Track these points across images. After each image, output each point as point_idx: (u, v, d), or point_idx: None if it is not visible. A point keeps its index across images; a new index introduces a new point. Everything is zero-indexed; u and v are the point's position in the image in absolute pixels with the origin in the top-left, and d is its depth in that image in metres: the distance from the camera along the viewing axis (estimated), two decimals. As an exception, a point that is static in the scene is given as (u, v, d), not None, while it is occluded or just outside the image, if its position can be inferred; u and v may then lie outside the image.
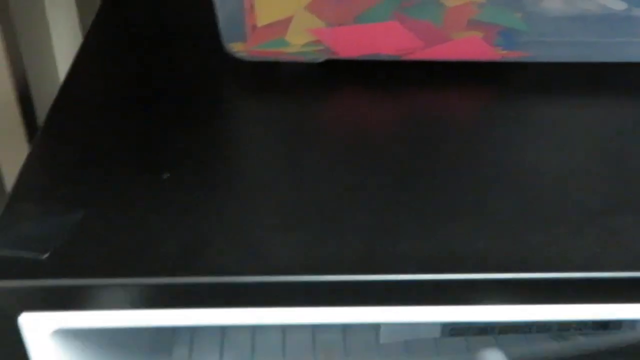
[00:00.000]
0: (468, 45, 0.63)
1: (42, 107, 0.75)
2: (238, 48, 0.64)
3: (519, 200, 0.51)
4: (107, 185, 0.53)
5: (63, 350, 0.50)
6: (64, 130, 0.59)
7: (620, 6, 0.65)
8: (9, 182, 0.77)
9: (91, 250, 0.48)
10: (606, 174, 0.54)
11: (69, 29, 0.87)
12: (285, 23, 0.64)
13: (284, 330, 0.84)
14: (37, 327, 0.48)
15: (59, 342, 0.50)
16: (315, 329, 0.84)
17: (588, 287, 0.46)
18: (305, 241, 0.48)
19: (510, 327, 0.66)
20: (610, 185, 0.53)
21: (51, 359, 0.50)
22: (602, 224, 0.49)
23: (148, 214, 0.50)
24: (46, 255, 0.47)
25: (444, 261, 0.47)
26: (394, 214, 0.50)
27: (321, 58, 0.65)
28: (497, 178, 0.54)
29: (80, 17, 0.86)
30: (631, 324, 0.66)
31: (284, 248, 0.48)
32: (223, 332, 0.84)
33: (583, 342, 0.68)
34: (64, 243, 0.48)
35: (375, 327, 0.84)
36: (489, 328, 0.66)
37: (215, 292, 0.47)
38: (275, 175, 0.55)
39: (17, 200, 0.52)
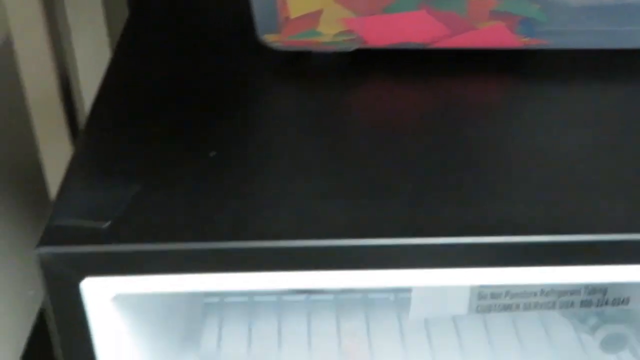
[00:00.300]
0: (492, 34, 0.67)
1: (81, 105, 0.78)
2: (272, 39, 0.68)
3: (550, 172, 0.55)
4: (158, 162, 0.56)
5: (121, 316, 0.53)
6: (111, 116, 0.62)
7: (637, -4, 0.69)
8: (51, 175, 0.80)
9: (148, 219, 0.51)
10: (630, 149, 0.58)
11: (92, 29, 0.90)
12: (316, 15, 0.67)
13: (309, 316, 0.87)
14: (98, 292, 0.51)
15: (118, 308, 0.52)
16: (339, 316, 0.87)
17: (620, 248, 0.49)
18: (350, 208, 0.51)
19: (535, 303, 0.69)
20: (633, 158, 0.56)
21: (110, 323, 0.52)
22: (631, 191, 0.52)
23: (199, 187, 0.54)
24: (106, 224, 0.50)
25: (481, 226, 0.50)
26: (432, 185, 0.53)
27: (352, 47, 0.68)
28: (525, 153, 0.57)
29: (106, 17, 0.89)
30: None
31: (331, 214, 0.51)
32: (250, 320, 0.86)
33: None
34: (122, 213, 0.51)
35: (398, 313, 0.87)
36: (513, 305, 0.69)
37: (266, 256, 0.49)
38: (315, 151, 0.58)
39: (75, 176, 0.55)
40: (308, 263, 0.50)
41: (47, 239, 0.49)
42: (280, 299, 0.88)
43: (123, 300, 0.53)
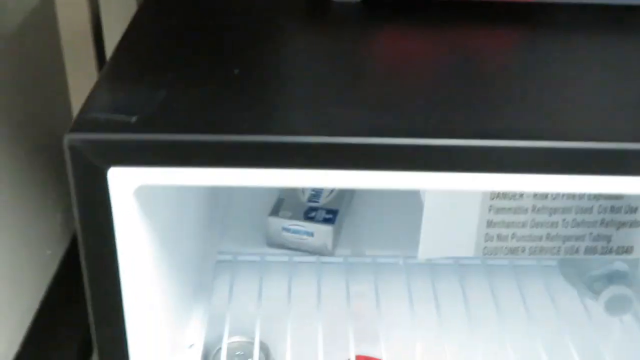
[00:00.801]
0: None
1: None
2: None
3: (558, 97, 0.57)
4: (187, 75, 0.59)
5: (143, 213, 0.55)
6: (142, 41, 0.66)
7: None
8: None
9: (175, 115, 0.54)
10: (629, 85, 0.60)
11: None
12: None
13: (319, 278, 0.88)
14: (123, 183, 0.53)
15: (141, 203, 0.55)
16: (349, 279, 0.88)
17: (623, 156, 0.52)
18: (365, 113, 0.54)
19: (540, 247, 0.70)
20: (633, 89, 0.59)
21: (132, 217, 0.55)
22: (629, 110, 0.55)
23: (223, 93, 0.56)
24: (134, 119, 0.53)
25: (490, 131, 0.52)
26: (443, 100, 0.56)
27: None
28: (529, 81, 0.60)
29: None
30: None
31: (346, 118, 0.54)
32: (261, 279, 0.88)
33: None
34: (151, 110, 0.54)
35: (406, 277, 0.88)
36: (519, 249, 0.71)
37: (286, 151, 0.52)
38: (334, 73, 0.61)
39: (106, 81, 0.58)
40: (323, 160, 0.52)
41: (77, 127, 0.52)
42: (291, 260, 0.90)
43: (146, 195, 0.55)
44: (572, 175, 0.53)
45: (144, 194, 0.55)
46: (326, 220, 0.89)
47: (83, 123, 0.52)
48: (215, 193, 0.94)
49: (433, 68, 0.62)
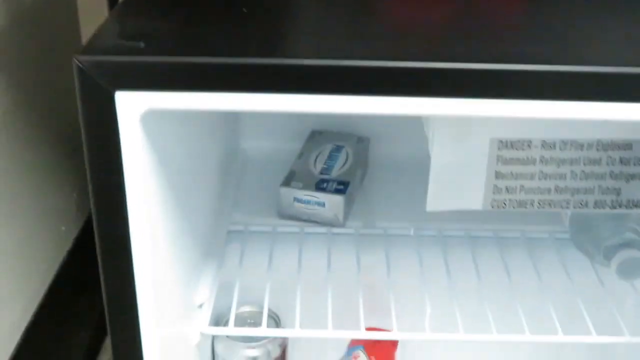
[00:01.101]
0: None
1: None
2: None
3: (565, 28, 0.58)
4: (197, 11, 0.60)
5: (151, 138, 0.56)
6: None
7: None
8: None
9: (184, 42, 0.55)
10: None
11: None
12: None
13: (330, 249, 0.88)
14: (130, 106, 0.54)
15: (147, 125, 0.55)
16: (359, 251, 0.88)
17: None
18: (368, 44, 0.55)
19: (549, 201, 0.70)
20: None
21: (139, 140, 0.55)
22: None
23: (231, 26, 0.58)
24: (143, 44, 0.54)
25: (489, 57, 0.53)
26: (445, 37, 0.57)
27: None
28: (525, 23, 0.60)
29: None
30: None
31: (349, 47, 0.54)
32: (271, 249, 0.88)
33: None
34: (159, 37, 0.55)
35: (417, 249, 0.88)
36: (528, 202, 0.70)
37: (288, 75, 0.53)
38: (339, 16, 0.62)
39: (119, 11, 0.59)
40: (326, 85, 0.53)
41: (86, 50, 0.53)
42: (302, 231, 0.90)
43: (155, 125, 0.56)
44: (576, 102, 0.53)
45: (153, 123, 0.56)
46: (337, 191, 0.89)
47: (92, 47, 0.54)
48: (228, 162, 0.95)
49: (434, 18, 0.63)
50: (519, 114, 0.53)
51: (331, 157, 0.95)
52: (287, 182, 0.90)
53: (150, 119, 0.55)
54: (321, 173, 0.92)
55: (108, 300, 0.61)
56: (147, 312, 0.61)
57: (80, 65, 0.52)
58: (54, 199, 0.99)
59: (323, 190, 0.89)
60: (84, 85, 0.53)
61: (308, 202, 0.89)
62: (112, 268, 0.59)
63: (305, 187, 0.89)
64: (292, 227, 0.91)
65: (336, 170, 0.92)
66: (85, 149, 0.55)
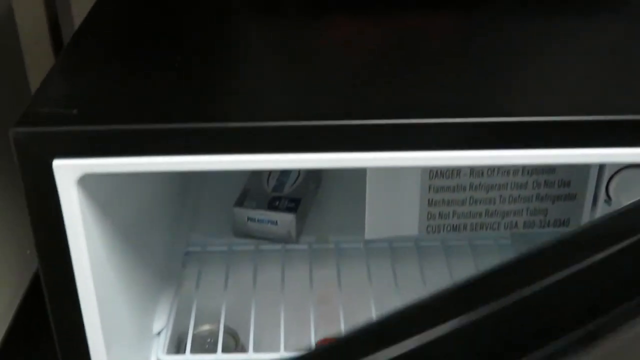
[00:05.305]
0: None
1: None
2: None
3: (491, 75, 0.61)
4: (131, 65, 0.63)
5: (92, 197, 0.59)
6: (93, 36, 0.69)
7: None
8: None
9: (116, 106, 0.58)
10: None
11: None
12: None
13: (284, 264, 0.91)
14: (67, 172, 0.57)
15: (86, 186, 0.58)
16: (313, 265, 0.92)
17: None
18: (297, 99, 0.58)
19: (481, 223, 0.74)
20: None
21: (79, 202, 0.58)
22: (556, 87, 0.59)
23: (165, 81, 0.60)
24: (76, 111, 0.57)
25: (418, 110, 0.56)
26: (372, 82, 0.60)
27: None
28: (458, 57, 0.63)
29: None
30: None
31: (283, 103, 0.57)
32: (228, 268, 0.91)
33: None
34: (94, 104, 0.58)
35: (367, 260, 0.92)
36: (461, 226, 0.74)
37: (222, 137, 0.55)
38: (274, 61, 0.65)
39: (54, 73, 0.62)
40: (254, 145, 0.56)
41: (21, 121, 0.56)
42: (257, 249, 0.93)
43: (95, 184, 0.59)
44: (502, 150, 0.56)
45: (93, 184, 0.59)
46: (289, 209, 0.92)
47: (27, 117, 0.56)
48: (184, 185, 0.98)
49: (374, 52, 0.66)
50: (446, 164, 0.56)
51: (283, 173, 0.98)
52: (240, 201, 0.93)
53: (89, 180, 0.58)
54: (273, 190, 0.95)
55: (60, 346, 0.64)
56: (98, 352, 0.65)
57: (17, 137, 0.55)
58: (18, 223, 1.02)
59: (275, 209, 0.92)
60: (21, 155, 0.56)
61: (261, 221, 0.93)
62: (61, 315, 0.63)
63: (258, 206, 0.93)
64: (248, 245, 0.94)
65: (288, 186, 0.96)
66: (28, 211, 0.58)
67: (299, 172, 0.98)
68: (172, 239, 0.90)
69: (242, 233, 0.93)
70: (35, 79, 0.81)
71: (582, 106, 0.56)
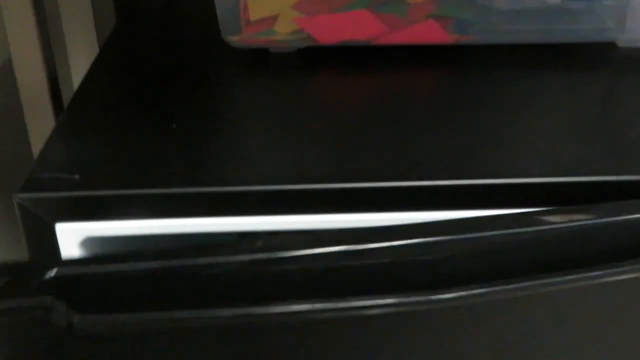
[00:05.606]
0: (426, 30, 0.76)
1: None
2: (235, 39, 0.77)
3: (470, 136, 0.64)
4: (129, 131, 0.65)
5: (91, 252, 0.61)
6: (91, 100, 0.71)
7: (555, 0, 0.78)
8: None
9: (115, 172, 0.59)
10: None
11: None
12: (274, 18, 0.76)
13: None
14: (70, 235, 0.59)
15: (87, 250, 0.60)
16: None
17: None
18: (290, 161, 0.60)
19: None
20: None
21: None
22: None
23: (163, 146, 0.62)
24: (77, 176, 0.59)
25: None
26: (358, 144, 0.62)
27: (304, 44, 0.77)
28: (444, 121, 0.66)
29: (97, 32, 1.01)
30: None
31: (275, 167, 0.59)
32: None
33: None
34: (94, 169, 0.60)
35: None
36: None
37: (218, 201, 0.57)
38: (268, 122, 0.67)
39: (53, 140, 0.64)
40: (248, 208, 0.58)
41: (25, 186, 0.58)
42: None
43: (99, 247, 0.61)
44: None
45: (94, 245, 0.61)
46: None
47: (30, 183, 0.58)
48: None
49: (362, 111, 0.68)
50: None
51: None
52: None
53: (91, 242, 0.60)
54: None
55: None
56: None
57: (21, 202, 0.57)
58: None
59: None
60: (25, 218, 0.58)
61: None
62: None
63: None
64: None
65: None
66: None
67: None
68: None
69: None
70: (34, 133, 0.83)
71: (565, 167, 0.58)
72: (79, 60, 1.03)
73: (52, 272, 0.49)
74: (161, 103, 0.70)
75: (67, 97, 0.78)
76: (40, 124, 0.84)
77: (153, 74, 0.76)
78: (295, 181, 0.58)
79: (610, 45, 0.78)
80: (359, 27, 0.76)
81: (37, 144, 0.85)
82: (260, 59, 0.78)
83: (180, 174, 0.59)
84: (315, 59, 0.77)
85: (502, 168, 0.59)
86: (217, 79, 0.75)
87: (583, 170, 0.58)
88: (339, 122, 0.67)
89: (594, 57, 0.77)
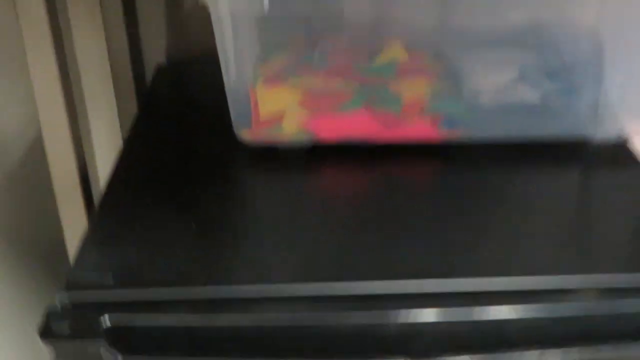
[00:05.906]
0: (417, 128, 0.85)
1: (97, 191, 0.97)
2: (246, 135, 0.86)
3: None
4: (156, 232, 0.73)
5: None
6: (120, 197, 0.80)
7: (535, 99, 0.87)
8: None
9: (146, 271, 0.68)
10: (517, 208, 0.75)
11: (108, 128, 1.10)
12: (280, 117, 0.85)
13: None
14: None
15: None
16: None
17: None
18: (295, 264, 0.68)
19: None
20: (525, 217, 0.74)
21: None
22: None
23: (186, 247, 0.71)
24: (112, 279, 0.67)
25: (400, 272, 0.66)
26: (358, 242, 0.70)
27: (308, 143, 0.86)
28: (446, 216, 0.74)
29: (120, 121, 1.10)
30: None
31: (278, 265, 0.68)
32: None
33: None
34: (126, 269, 0.68)
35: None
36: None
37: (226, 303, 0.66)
38: (279, 223, 0.75)
39: (89, 241, 0.72)
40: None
41: (68, 286, 0.66)
42: None
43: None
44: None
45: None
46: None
47: (69, 284, 0.66)
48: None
49: (360, 210, 0.77)
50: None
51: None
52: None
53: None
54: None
55: None
56: None
57: (66, 302, 0.65)
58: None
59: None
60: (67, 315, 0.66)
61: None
62: None
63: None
64: None
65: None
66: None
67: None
68: None
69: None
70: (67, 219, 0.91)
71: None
72: (103, 150, 1.11)
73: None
74: (179, 202, 0.78)
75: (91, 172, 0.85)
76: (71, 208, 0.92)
77: (171, 173, 0.84)
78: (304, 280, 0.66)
79: (587, 141, 0.87)
80: (357, 126, 0.85)
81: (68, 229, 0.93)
82: (270, 154, 0.86)
83: (206, 274, 0.67)
84: (320, 152, 0.86)
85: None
86: (230, 175, 0.83)
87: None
88: (338, 221, 0.74)
89: (570, 153, 0.86)
